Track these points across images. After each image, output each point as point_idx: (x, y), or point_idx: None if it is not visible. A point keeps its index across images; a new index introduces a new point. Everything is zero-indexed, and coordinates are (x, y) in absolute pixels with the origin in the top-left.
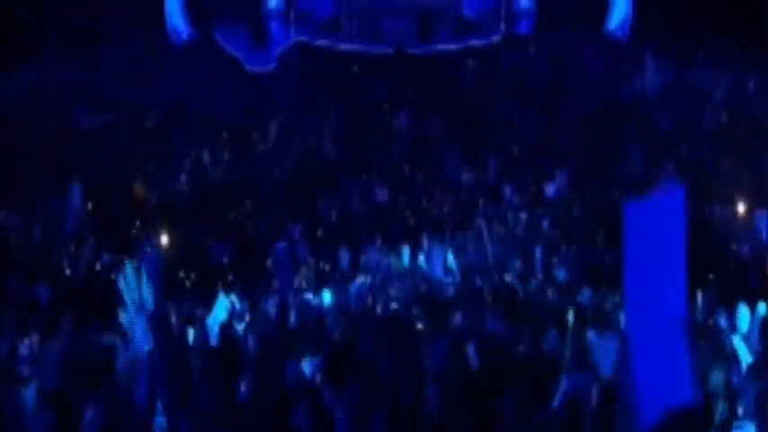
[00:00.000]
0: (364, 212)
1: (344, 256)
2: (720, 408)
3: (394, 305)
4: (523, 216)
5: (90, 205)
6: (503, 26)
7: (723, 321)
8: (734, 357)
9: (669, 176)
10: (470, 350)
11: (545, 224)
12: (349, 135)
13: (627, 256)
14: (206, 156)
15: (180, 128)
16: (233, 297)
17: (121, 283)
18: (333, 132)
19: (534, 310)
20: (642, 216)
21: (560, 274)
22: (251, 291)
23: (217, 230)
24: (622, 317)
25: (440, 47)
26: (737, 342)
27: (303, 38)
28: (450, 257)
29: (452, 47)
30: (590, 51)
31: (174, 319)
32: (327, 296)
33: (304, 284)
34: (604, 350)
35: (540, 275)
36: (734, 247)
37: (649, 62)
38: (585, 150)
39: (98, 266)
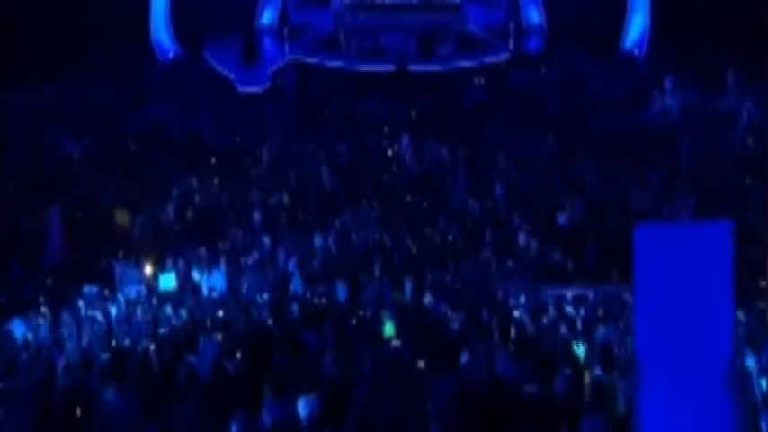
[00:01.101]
0: (363, 242)
1: (342, 290)
2: None
3: (395, 342)
4: (534, 247)
5: (70, 234)
6: (511, 43)
7: (751, 362)
8: (764, 402)
9: (690, 207)
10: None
11: (557, 256)
12: (347, 160)
13: (641, 288)
14: (194, 182)
15: (166, 152)
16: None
17: None
18: (329, 157)
19: (545, 348)
20: (667, 247)
21: (573, 310)
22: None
23: (206, 262)
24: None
25: (443, 65)
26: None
27: (298, 56)
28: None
29: (457, 65)
30: (604, 71)
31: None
32: (324, 331)
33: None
34: (619, 391)
35: (551, 311)
36: (763, 283)
37: (668, 83)
38: (600, 178)
39: (80, 303)
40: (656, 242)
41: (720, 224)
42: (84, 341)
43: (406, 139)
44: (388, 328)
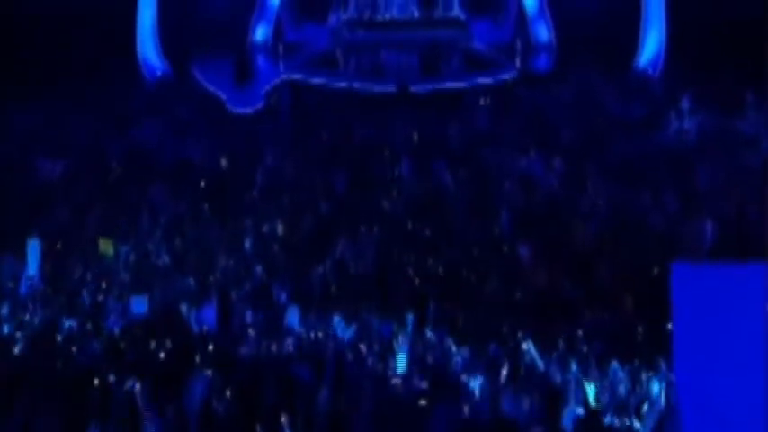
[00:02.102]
0: (362, 273)
1: (340, 323)
2: None
3: (396, 379)
4: (543, 276)
5: (48, 265)
6: (518, 62)
7: None
8: None
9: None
10: None
11: (567, 287)
12: (345, 185)
13: (679, 332)
14: (182, 209)
15: (152, 177)
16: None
17: None
18: (326, 182)
19: (555, 384)
20: (704, 287)
21: (585, 345)
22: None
23: (194, 294)
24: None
25: (447, 85)
26: None
27: (293, 74)
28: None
29: (461, 85)
30: (617, 91)
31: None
32: (319, 368)
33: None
34: None
35: (561, 346)
36: None
37: (685, 103)
38: (613, 204)
39: (59, 337)
40: (692, 282)
41: (755, 266)
42: (65, 378)
43: (407, 163)
44: (401, 362)
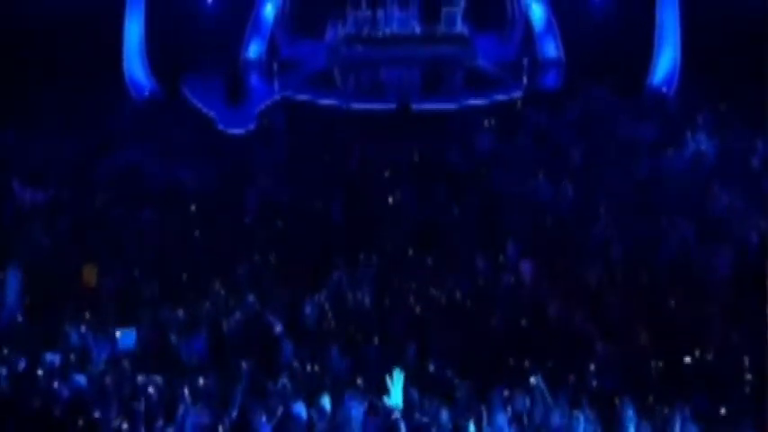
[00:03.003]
0: (360, 302)
1: (337, 358)
2: None
3: (396, 414)
4: (552, 308)
5: (29, 294)
6: (525, 80)
7: None
8: None
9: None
10: None
11: (577, 318)
12: (341, 209)
13: None
14: (171, 234)
15: (139, 200)
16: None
17: None
18: (322, 206)
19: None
20: None
21: (596, 380)
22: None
23: (184, 325)
24: None
25: (450, 103)
26: None
27: (288, 93)
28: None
29: (465, 103)
30: (630, 110)
31: None
32: (316, 406)
33: (288, 391)
34: None
35: (572, 380)
36: None
37: (701, 124)
38: (625, 231)
39: (40, 372)
40: None
41: None
42: (48, 416)
43: (407, 186)
44: (396, 397)
